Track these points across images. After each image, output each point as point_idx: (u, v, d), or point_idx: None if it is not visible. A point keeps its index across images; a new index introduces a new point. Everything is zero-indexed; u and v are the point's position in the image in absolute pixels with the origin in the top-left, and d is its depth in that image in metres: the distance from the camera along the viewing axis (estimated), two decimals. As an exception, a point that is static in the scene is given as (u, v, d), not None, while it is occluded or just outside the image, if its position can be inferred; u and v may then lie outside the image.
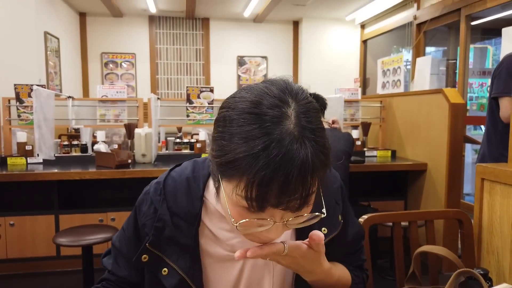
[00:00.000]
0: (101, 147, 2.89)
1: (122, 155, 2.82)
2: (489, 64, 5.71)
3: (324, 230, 0.75)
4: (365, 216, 1.19)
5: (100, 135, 3.05)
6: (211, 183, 0.74)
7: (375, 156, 3.37)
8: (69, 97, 3.10)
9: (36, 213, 2.78)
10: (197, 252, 0.73)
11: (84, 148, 3.12)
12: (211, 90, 3.19)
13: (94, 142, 3.14)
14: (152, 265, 0.74)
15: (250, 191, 0.53)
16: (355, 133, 3.32)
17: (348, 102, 3.49)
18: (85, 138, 3.29)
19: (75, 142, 3.12)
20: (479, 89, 5.09)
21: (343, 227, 0.80)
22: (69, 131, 4.65)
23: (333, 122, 2.72)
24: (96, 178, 2.69)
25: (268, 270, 0.76)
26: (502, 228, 1.24)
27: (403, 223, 1.28)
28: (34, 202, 2.97)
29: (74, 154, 3.09)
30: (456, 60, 5.32)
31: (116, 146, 3.17)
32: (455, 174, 2.77)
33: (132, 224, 0.78)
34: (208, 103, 3.17)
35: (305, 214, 0.59)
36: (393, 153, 3.41)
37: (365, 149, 3.39)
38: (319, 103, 2.55)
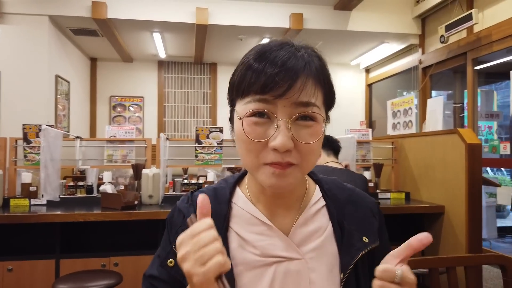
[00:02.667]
0: (107, 188, 2.81)
1: (128, 196, 2.73)
2: (495, 107, 5.72)
3: (365, 239, 0.71)
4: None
5: (107, 176, 2.98)
6: (238, 190, 0.75)
7: (389, 198, 3.26)
8: (77, 137, 3.07)
9: (36, 258, 2.64)
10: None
11: (89, 189, 3.05)
12: (221, 131, 3.16)
13: (99, 184, 3.07)
14: (179, 271, 0.65)
15: (248, 71, 0.62)
16: (367, 175, 3.23)
17: (359, 143, 3.43)
18: (91, 179, 3.22)
19: (80, 183, 3.04)
20: (486, 131, 5.05)
21: (382, 245, 0.74)
22: (74, 172, 4.61)
23: (346, 166, 2.66)
24: (101, 220, 2.59)
25: (303, 279, 0.68)
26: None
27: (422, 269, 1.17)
28: (35, 245, 2.85)
29: (79, 195, 3.01)
30: (462, 103, 5.34)
31: (122, 187, 3.09)
32: (475, 218, 2.65)
33: (166, 241, 0.73)
34: (217, 143, 3.12)
35: (310, 119, 0.63)
36: (407, 195, 3.30)
37: (378, 191, 3.29)
38: (334, 145, 2.50)
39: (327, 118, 0.67)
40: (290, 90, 0.60)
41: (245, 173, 0.78)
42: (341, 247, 0.70)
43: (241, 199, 0.73)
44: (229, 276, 0.66)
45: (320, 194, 0.76)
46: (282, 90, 0.60)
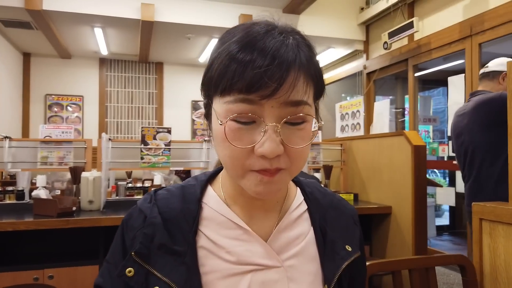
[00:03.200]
0: (41, 193, 2.56)
1: (65, 202, 2.50)
2: (431, 112, 6.07)
3: (348, 247, 0.66)
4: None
5: (40, 180, 2.71)
6: (210, 190, 0.67)
7: (338, 200, 3.28)
8: (6, 137, 2.76)
9: (-45, 273, 2.33)
10: (194, 263, 0.59)
11: (20, 195, 2.75)
12: (169, 131, 3.00)
13: (32, 189, 2.79)
14: (139, 282, 0.57)
15: (230, 66, 0.52)
16: (318, 176, 3.25)
17: (309, 145, 3.43)
18: (22, 184, 2.92)
19: (9, 188, 2.74)
20: (423, 135, 5.33)
21: (362, 255, 0.69)
22: (3, 177, 4.18)
23: None
24: (33, 229, 2.33)
25: None
26: (508, 274, 1.13)
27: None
28: (-46, 259, 2.52)
29: (8, 201, 2.71)
30: (403, 108, 5.60)
31: (58, 192, 2.83)
32: (421, 218, 2.73)
33: (119, 245, 0.63)
34: (165, 145, 2.96)
35: (301, 121, 0.55)
36: (355, 196, 3.35)
37: (327, 193, 3.31)
38: None
39: (318, 114, 0.60)
40: (280, 89, 0.52)
41: (218, 170, 0.70)
42: (324, 255, 0.64)
43: (213, 200, 0.65)
44: (196, 281, 0.58)
45: (302, 198, 0.69)
46: (271, 90, 0.51)
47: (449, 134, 4.09)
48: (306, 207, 0.68)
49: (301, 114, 0.54)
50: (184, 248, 0.59)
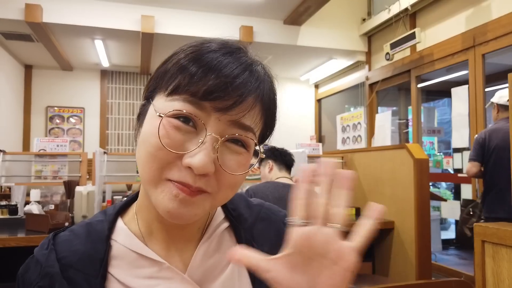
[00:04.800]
0: (33, 208, 2.50)
1: (58, 217, 2.44)
2: (435, 124, 5.99)
3: None
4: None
5: (34, 195, 2.65)
6: (120, 223, 0.57)
7: (339, 215, 3.20)
8: (0, 150, 2.73)
9: None
10: None
11: (13, 210, 2.70)
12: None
13: (27, 202, 2.74)
14: None
15: (180, 69, 0.48)
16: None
17: (309, 158, 3.37)
18: (17, 198, 2.87)
19: (2, 203, 2.69)
20: (428, 146, 5.24)
21: None
22: (3, 190, 4.14)
23: (296, 181, 2.56)
24: (24, 246, 2.27)
25: None
26: (515, 301, 1.05)
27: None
28: None
29: (1, 216, 2.65)
30: (407, 119, 5.52)
31: (52, 207, 2.77)
32: (424, 233, 2.65)
33: None
34: (161, 158, 2.91)
35: (243, 146, 0.50)
36: (357, 210, 3.26)
37: (328, 207, 3.22)
38: (287, 159, 2.41)
39: (256, 153, 0.54)
40: (237, 107, 0.48)
41: (131, 200, 0.61)
42: (255, 278, 0.56)
43: (123, 234, 0.56)
44: None
45: (223, 215, 0.61)
46: (225, 104, 0.47)
47: (454, 145, 4.01)
48: (228, 224, 0.60)
49: (246, 137, 0.50)
50: None
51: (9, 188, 3.91)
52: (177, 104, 0.47)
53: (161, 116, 0.47)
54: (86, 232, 0.56)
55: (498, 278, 1.08)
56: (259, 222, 0.62)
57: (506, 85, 2.25)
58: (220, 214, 0.61)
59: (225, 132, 0.48)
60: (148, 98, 0.53)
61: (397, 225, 2.86)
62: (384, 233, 2.99)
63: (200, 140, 0.47)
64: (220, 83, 0.47)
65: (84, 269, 0.52)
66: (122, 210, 0.60)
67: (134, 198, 0.60)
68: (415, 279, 2.61)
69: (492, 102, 3.06)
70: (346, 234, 0.42)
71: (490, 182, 2.96)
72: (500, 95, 2.99)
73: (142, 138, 0.51)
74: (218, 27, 4.79)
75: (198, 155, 0.46)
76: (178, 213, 0.48)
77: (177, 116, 0.48)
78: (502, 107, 2.96)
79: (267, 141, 0.58)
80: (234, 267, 0.57)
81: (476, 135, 3.09)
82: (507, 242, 1.04)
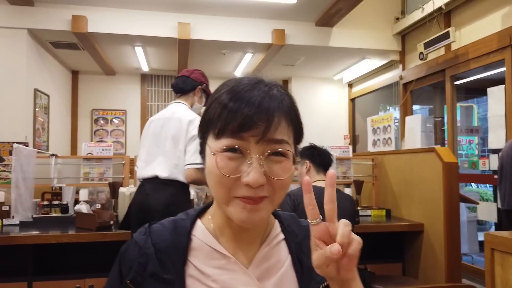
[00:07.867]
0: (82, 208, 2.74)
1: (104, 216, 2.67)
2: (475, 122, 5.81)
3: None
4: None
5: (83, 194, 2.90)
6: (199, 223, 0.74)
7: (369, 216, 3.25)
8: (52, 155, 3.00)
9: (7, 280, 2.55)
10: None
11: (64, 209, 2.96)
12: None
13: (77, 200, 2.99)
14: None
15: (220, 111, 0.63)
16: (348, 191, 3.23)
17: (339, 160, 3.43)
18: (67, 198, 3.14)
19: (55, 202, 2.96)
20: (467, 146, 5.12)
21: None
22: (53, 188, 4.48)
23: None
24: (74, 242, 2.51)
25: None
26: (520, 307, 1.10)
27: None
28: (7, 267, 2.74)
29: (53, 214, 2.92)
30: (443, 117, 5.41)
31: (99, 206, 3.02)
32: (453, 236, 2.66)
33: (116, 274, 0.70)
34: (197, 161, 3.08)
35: (282, 155, 0.64)
36: (388, 212, 3.30)
37: (358, 208, 3.28)
38: (325, 159, 2.43)
39: (297, 155, 0.69)
40: (266, 130, 0.62)
41: (207, 206, 0.77)
42: (301, 281, 0.70)
43: (201, 232, 0.72)
44: None
45: (280, 229, 0.77)
46: (259, 131, 0.61)
47: (490, 146, 3.92)
48: (283, 236, 0.75)
49: (280, 149, 0.63)
50: (173, 277, 0.66)
51: (60, 187, 4.24)
52: (225, 141, 0.62)
53: (215, 154, 0.63)
54: (173, 226, 0.72)
55: (506, 286, 1.13)
56: (307, 240, 0.75)
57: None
58: (277, 227, 0.76)
59: (265, 150, 0.62)
60: (203, 138, 0.69)
61: (427, 227, 2.88)
62: (414, 235, 3.01)
63: (249, 162, 0.62)
64: (247, 117, 0.61)
65: (170, 254, 0.68)
66: (200, 213, 0.76)
67: (209, 204, 0.76)
68: (444, 281, 2.63)
69: None
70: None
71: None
72: None
73: (207, 170, 0.66)
74: (250, 32, 4.92)
75: (250, 174, 0.61)
76: (249, 220, 0.63)
77: (227, 149, 0.62)
78: None
79: (303, 140, 0.72)
80: (285, 270, 0.71)
81: None
82: (514, 251, 1.10)
